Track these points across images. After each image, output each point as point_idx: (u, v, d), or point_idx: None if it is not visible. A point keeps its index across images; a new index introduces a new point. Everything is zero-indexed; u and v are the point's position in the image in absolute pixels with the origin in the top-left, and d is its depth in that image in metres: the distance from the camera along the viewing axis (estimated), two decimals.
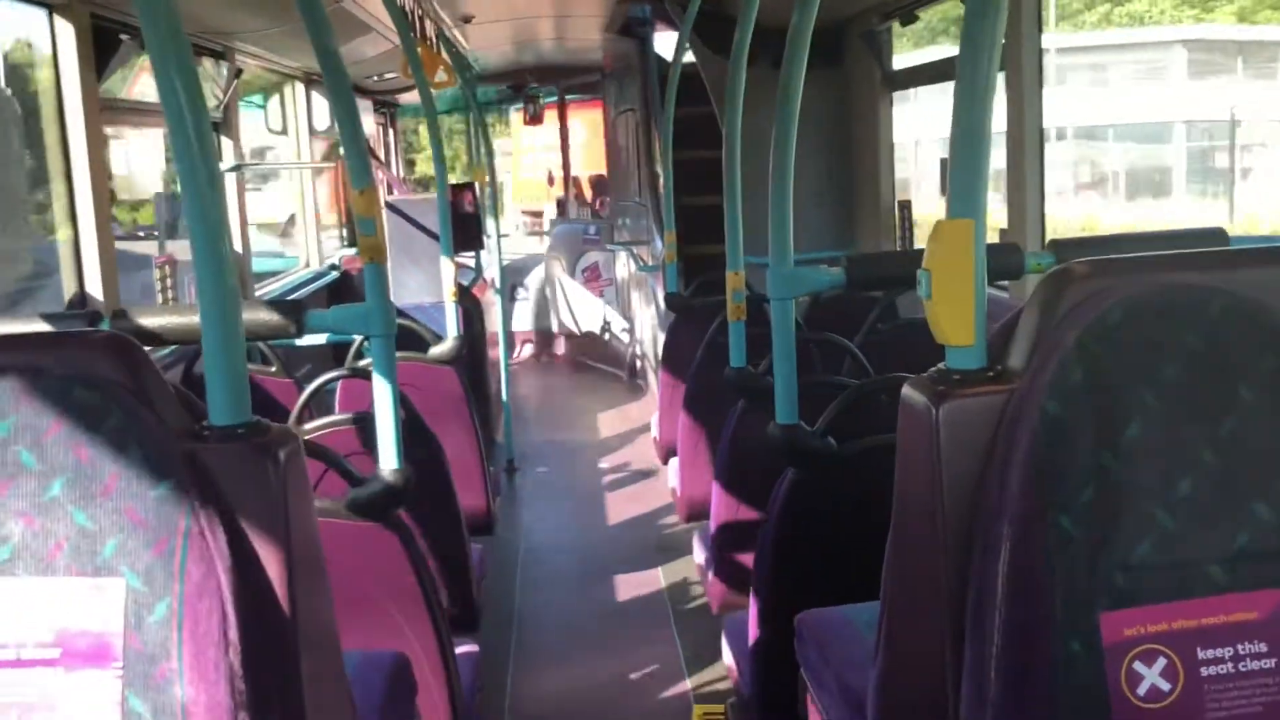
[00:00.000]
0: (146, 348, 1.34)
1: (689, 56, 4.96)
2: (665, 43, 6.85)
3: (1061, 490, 1.17)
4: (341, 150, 7.37)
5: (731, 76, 3.01)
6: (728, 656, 2.87)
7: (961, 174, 1.30)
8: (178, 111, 1.28)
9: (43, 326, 2.16)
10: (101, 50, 3.51)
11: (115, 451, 1.19)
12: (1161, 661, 1.17)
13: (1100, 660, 1.15)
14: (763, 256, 3.58)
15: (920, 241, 5.02)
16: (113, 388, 1.21)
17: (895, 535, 1.44)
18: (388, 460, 2.21)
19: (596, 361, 9.33)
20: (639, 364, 8.40)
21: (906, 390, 1.35)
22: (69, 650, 1.18)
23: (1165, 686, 1.17)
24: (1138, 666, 1.16)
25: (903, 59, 5.01)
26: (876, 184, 5.22)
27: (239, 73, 4.77)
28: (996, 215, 3.88)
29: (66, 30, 3.32)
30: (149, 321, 2.10)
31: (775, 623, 2.34)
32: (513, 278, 9.23)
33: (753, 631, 2.45)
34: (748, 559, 3.02)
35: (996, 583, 1.18)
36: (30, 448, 1.19)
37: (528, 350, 9.72)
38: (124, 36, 3.62)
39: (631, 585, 4.64)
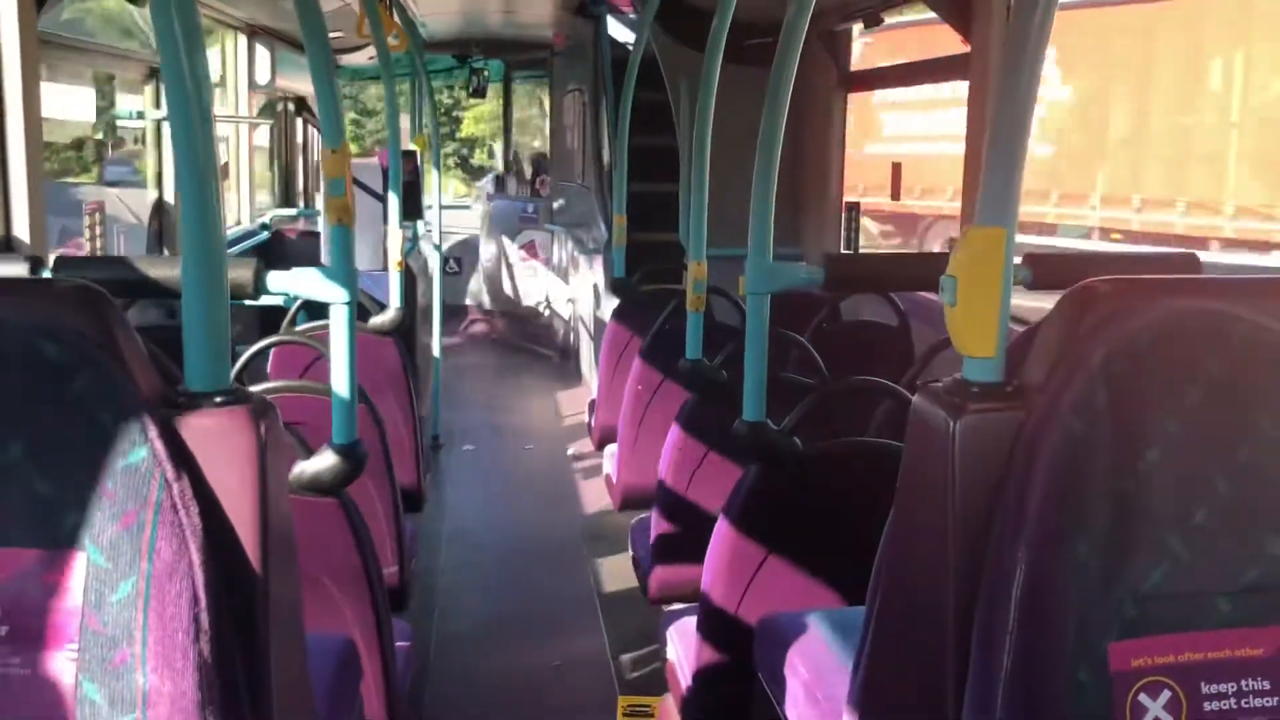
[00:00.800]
0: None
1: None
2: (615, 26, 6.79)
3: (1080, 514, 1.15)
4: (288, 106, 7.19)
5: (706, 66, 2.97)
6: (671, 652, 2.84)
7: (994, 180, 1.27)
8: (175, 59, 1.18)
9: None
10: None
11: (82, 414, 1.09)
12: (1166, 694, 1.15)
13: (1108, 691, 1.13)
14: (720, 248, 3.54)
15: (866, 243, 5.04)
16: (83, 344, 1.12)
17: (892, 546, 1.41)
18: (340, 434, 2.12)
19: (526, 341, 9.23)
20: (570, 346, 8.32)
21: (920, 400, 1.31)
22: (18, 628, 1.08)
23: None
24: (1143, 699, 1.14)
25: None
26: (825, 184, 5.23)
27: None
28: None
29: None
30: (100, 273, 1.98)
31: (728, 622, 2.31)
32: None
33: (701, 629, 2.41)
34: (694, 554, 2.98)
35: (1009, 606, 1.15)
36: None
37: (452, 325, 9.59)
38: None
39: (558, 570, 4.59)
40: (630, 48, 7.12)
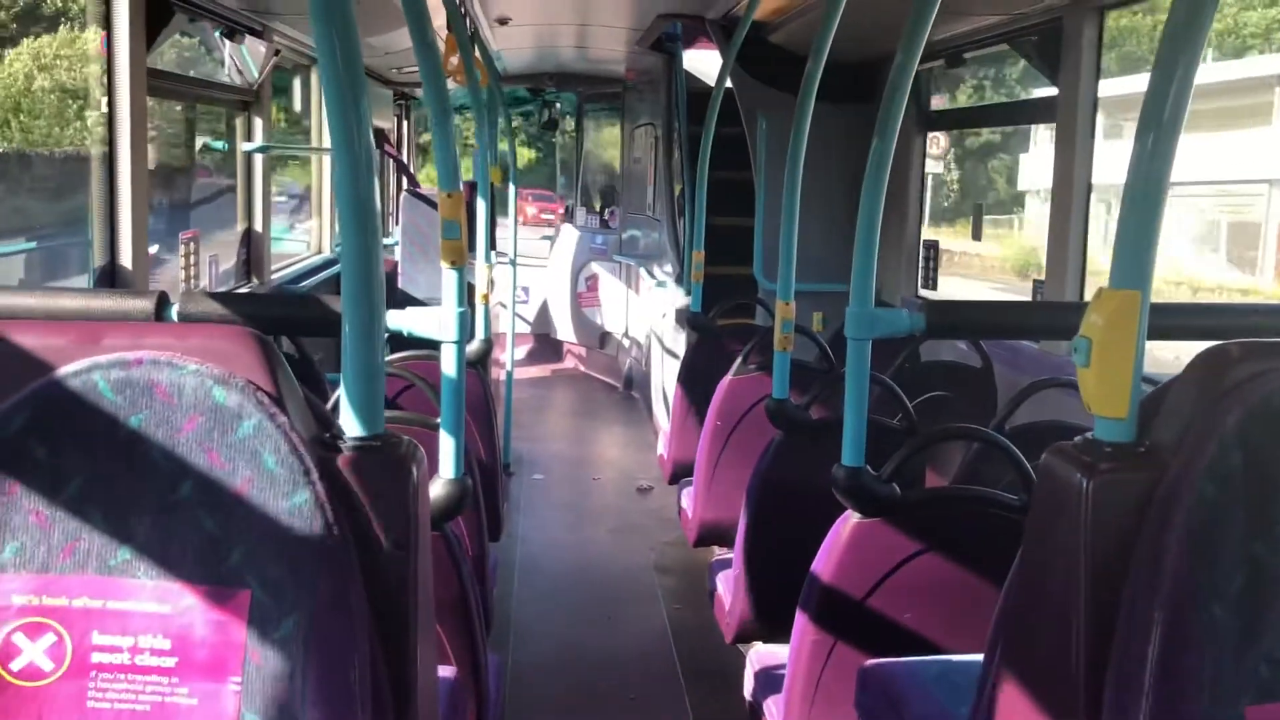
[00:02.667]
0: None
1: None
2: (689, 60, 6.84)
3: (1215, 576, 1.15)
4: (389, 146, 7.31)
5: (799, 105, 3.00)
6: (751, 692, 2.84)
7: (1131, 239, 1.27)
8: (338, 84, 1.22)
9: (96, 300, 2.10)
10: (152, 21, 3.46)
11: (249, 456, 1.14)
12: None
13: None
14: (797, 283, 3.55)
15: (944, 283, 5.03)
16: (250, 389, 1.16)
17: (1016, 600, 1.41)
18: (448, 468, 2.16)
19: (593, 370, 9.28)
20: (635, 377, 8.36)
21: (1050, 458, 1.32)
22: (186, 660, 1.13)
23: None
24: None
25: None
26: (904, 222, 5.23)
27: (277, 52, 4.71)
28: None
29: None
30: (215, 309, 2.04)
31: (821, 667, 2.31)
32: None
33: (793, 672, 2.41)
34: (778, 596, 2.98)
35: (1145, 667, 1.15)
36: (162, 446, 1.14)
37: (522, 353, 9.67)
38: (176, 9, 3.57)
39: (631, 603, 4.60)
40: (703, 82, 7.21)
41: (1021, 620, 1.40)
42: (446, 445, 2.14)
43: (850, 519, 2.27)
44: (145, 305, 2.03)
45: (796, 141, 3.02)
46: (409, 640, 1.20)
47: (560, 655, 4.09)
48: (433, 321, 2.05)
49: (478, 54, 5.06)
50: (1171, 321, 2.17)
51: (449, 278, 2.11)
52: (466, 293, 2.14)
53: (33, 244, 3.79)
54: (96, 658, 1.13)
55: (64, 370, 1.16)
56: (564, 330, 9.57)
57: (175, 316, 2.02)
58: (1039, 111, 3.99)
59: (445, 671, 1.91)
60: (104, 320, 1.90)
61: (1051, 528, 1.31)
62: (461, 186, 2.18)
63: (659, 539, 5.34)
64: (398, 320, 1.99)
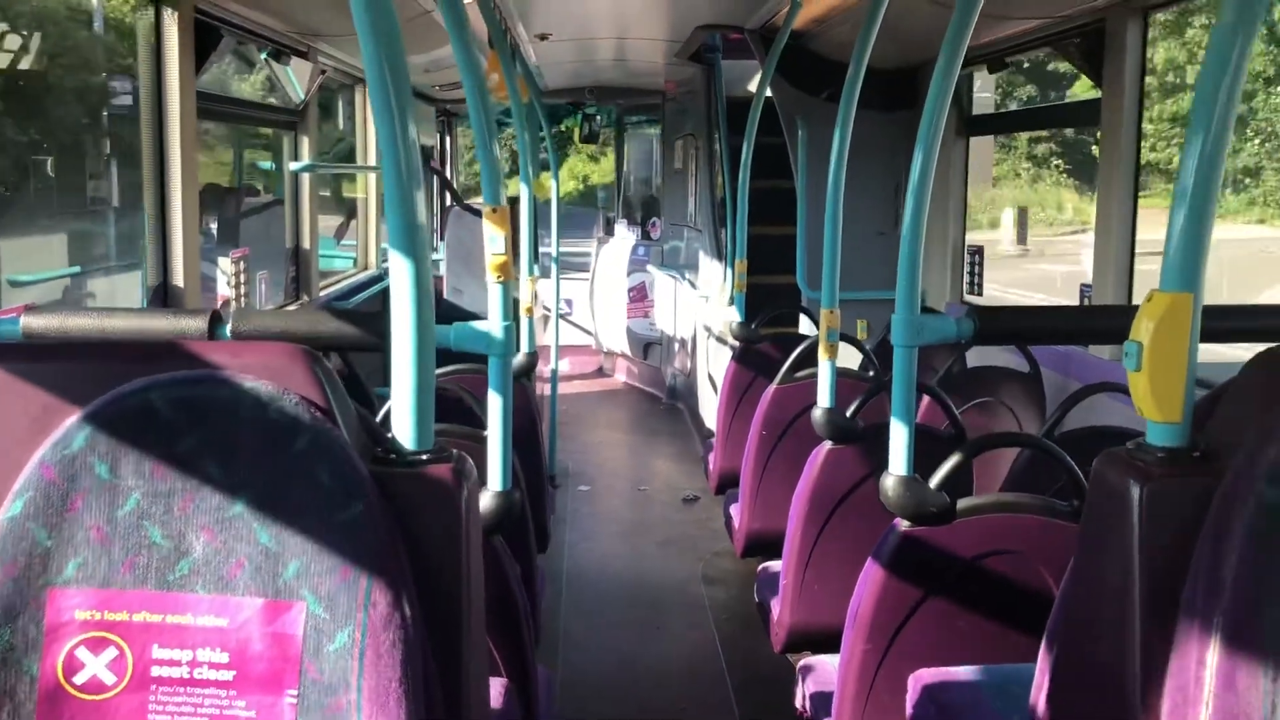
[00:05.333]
0: None
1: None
2: (728, 70, 6.84)
3: (1277, 581, 1.13)
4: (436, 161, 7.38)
5: (841, 113, 3.00)
6: (801, 702, 2.82)
7: (1183, 243, 1.26)
8: (390, 126, 1.25)
9: (151, 320, 2.14)
10: (201, 44, 3.52)
11: (303, 472, 1.16)
12: None
13: None
14: (840, 291, 3.54)
15: (989, 288, 4.99)
16: (304, 406, 1.18)
17: (1069, 608, 1.40)
18: (495, 480, 2.17)
19: (637, 381, 9.29)
20: (679, 388, 8.36)
21: (1102, 464, 1.31)
22: (244, 673, 1.15)
23: None
24: None
25: None
26: (946, 227, 5.19)
27: (323, 73, 4.77)
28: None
29: (172, 22, 3.32)
30: (269, 325, 2.07)
31: (872, 675, 2.29)
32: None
33: (843, 682, 2.40)
34: (827, 605, 2.97)
35: (1205, 675, 1.13)
36: (218, 463, 1.16)
37: (565, 365, 9.71)
38: (224, 33, 3.63)
39: (679, 614, 4.59)
40: (742, 92, 7.21)
41: (1075, 628, 1.38)
42: (494, 458, 2.16)
43: (899, 528, 2.25)
44: (199, 324, 2.07)
45: (839, 149, 3.02)
46: (461, 652, 1.22)
47: (609, 667, 4.10)
48: (479, 336, 2.07)
49: (519, 70, 5.11)
50: (1224, 324, 2.14)
51: (494, 292, 2.13)
52: (512, 306, 2.16)
53: (75, 269, 3.87)
54: (157, 671, 1.15)
55: (122, 389, 1.18)
56: (608, 341, 9.60)
57: (229, 334, 2.05)
58: (1084, 114, 3.96)
59: (496, 683, 1.92)
60: (159, 339, 1.94)
61: (1105, 535, 1.29)
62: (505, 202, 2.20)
63: (706, 550, 5.33)
64: (442, 335, 2.01)
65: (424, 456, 1.27)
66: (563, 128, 10.40)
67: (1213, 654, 1.14)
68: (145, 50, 3.38)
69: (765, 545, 3.98)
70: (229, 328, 2.06)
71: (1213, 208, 1.26)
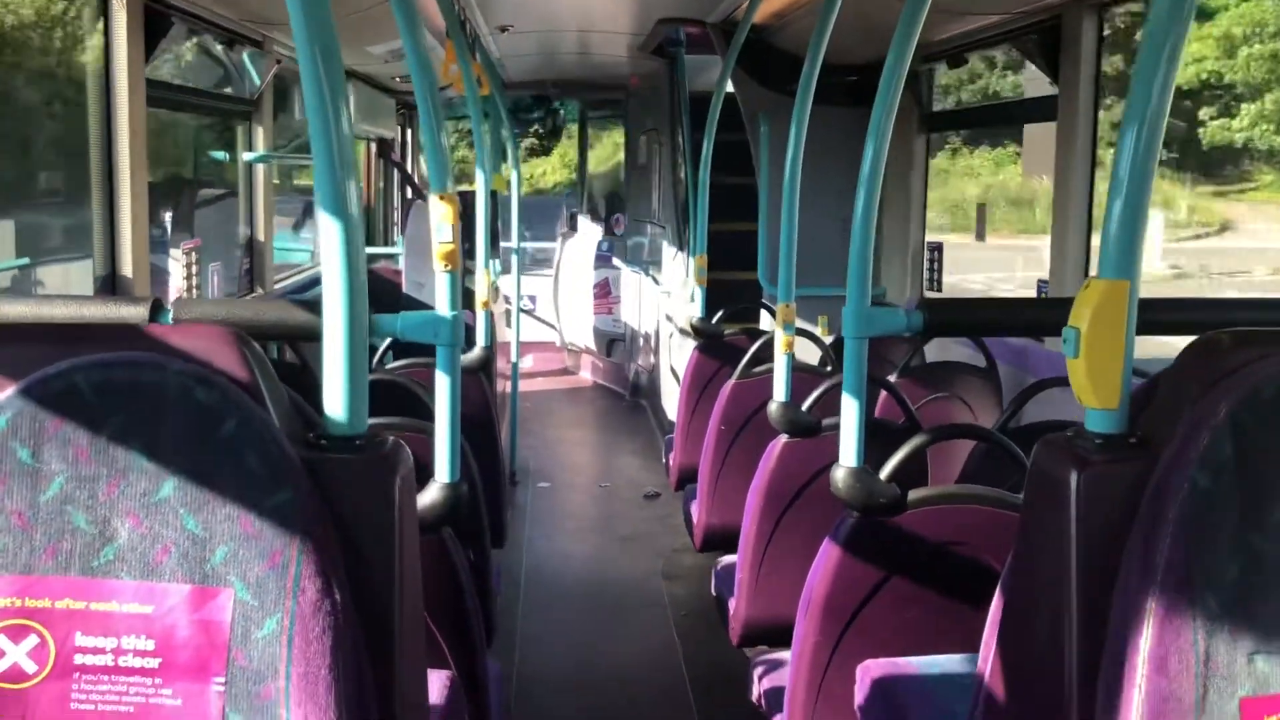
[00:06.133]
0: None
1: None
2: (691, 65, 6.83)
3: (1209, 567, 1.13)
4: (371, 148, 7.34)
5: (797, 108, 3.00)
6: (757, 697, 2.82)
7: (1118, 231, 1.26)
8: (323, 114, 1.23)
9: (92, 309, 2.09)
10: (150, 32, 3.46)
11: (231, 456, 1.13)
12: None
13: None
14: (801, 287, 3.54)
15: (948, 286, 5.01)
16: (232, 389, 1.16)
17: (1009, 596, 1.40)
18: (443, 473, 2.15)
19: (600, 378, 9.27)
20: (642, 384, 8.35)
21: (1041, 451, 1.30)
22: (170, 661, 1.12)
23: None
24: None
25: None
26: (906, 224, 5.21)
27: (278, 62, 4.71)
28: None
29: (120, 8, 3.26)
30: (210, 312, 2.03)
31: (823, 668, 2.29)
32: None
33: (795, 674, 2.39)
34: (781, 598, 2.96)
35: (1138, 659, 1.13)
36: (143, 446, 1.13)
37: (528, 362, 9.67)
38: (174, 20, 3.57)
39: (638, 609, 4.58)
40: (708, 87, 7.20)
41: (1014, 616, 1.38)
42: (441, 449, 2.13)
43: (849, 519, 2.25)
44: (140, 311, 2.03)
45: (795, 144, 3.02)
46: (394, 641, 1.19)
47: (567, 664, 4.08)
48: (426, 324, 2.04)
49: (479, 61, 5.07)
50: (1161, 316, 2.15)
51: (442, 281, 2.10)
52: (462, 298, 2.13)
53: (25, 260, 3.79)
54: (80, 659, 1.12)
55: (43, 372, 1.15)
56: (573, 336, 9.57)
57: (170, 322, 2.01)
58: (1041, 110, 3.98)
59: (440, 675, 1.90)
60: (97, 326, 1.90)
61: (1043, 521, 1.29)
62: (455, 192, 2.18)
63: (667, 546, 5.32)
64: (390, 324, 1.98)
65: (357, 442, 1.25)
66: (529, 122, 10.36)
67: (1145, 639, 1.14)
68: (92, 37, 3.32)
69: (723, 540, 3.97)
70: (170, 316, 2.02)
71: (1147, 197, 1.26)
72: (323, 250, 1.26)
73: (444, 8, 3.66)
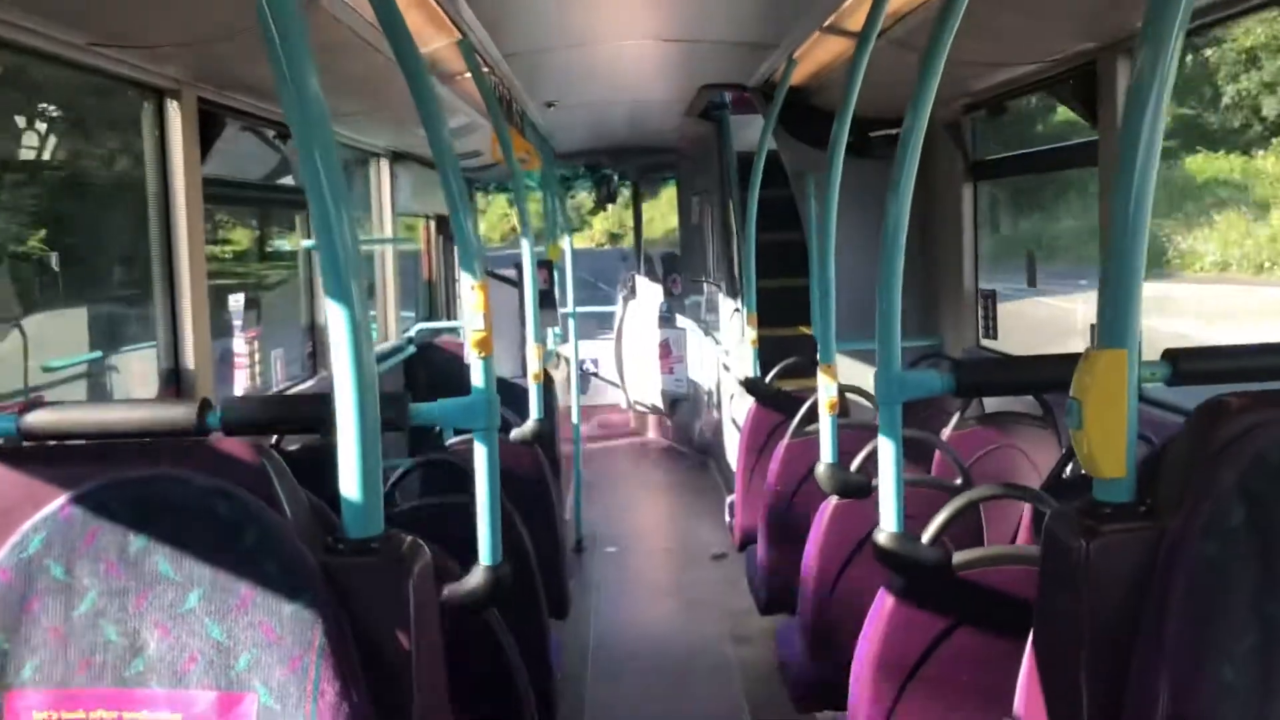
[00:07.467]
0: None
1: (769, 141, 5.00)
2: (738, 126, 6.90)
3: (1223, 637, 1.10)
4: (431, 225, 7.52)
5: (829, 166, 3.01)
6: None
7: (1112, 299, 1.25)
8: (320, 193, 1.27)
9: (144, 413, 2.17)
10: (206, 131, 3.60)
11: (252, 566, 1.17)
12: None
13: None
14: (846, 341, 3.52)
15: (1004, 332, 4.95)
16: (253, 502, 1.20)
17: (1030, 663, 1.38)
18: (485, 555, 2.17)
19: (666, 437, 9.28)
20: (708, 443, 8.33)
21: (1052, 522, 1.29)
22: None
23: None
24: None
25: None
26: (959, 273, 5.17)
27: None
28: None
29: (175, 113, 3.41)
30: (256, 411, 2.09)
31: None
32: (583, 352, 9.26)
33: None
34: (841, 659, 2.93)
35: None
36: (169, 559, 1.18)
37: (591, 427, 9.71)
38: (228, 119, 3.72)
39: (706, 675, 4.54)
40: (753, 147, 7.26)
41: (1033, 690, 1.36)
42: (482, 533, 2.16)
43: (895, 584, 2.23)
44: (189, 414, 2.10)
45: (828, 200, 3.03)
46: None
47: None
48: (462, 412, 2.08)
49: (529, 137, 5.18)
50: (1200, 366, 2.11)
51: (477, 367, 2.14)
52: (494, 380, 2.17)
53: (98, 353, 3.94)
54: None
55: (77, 491, 1.20)
56: (638, 396, 9.60)
57: (219, 422, 2.07)
58: (1082, 156, 3.95)
59: None
60: (151, 430, 1.97)
61: (1055, 593, 1.28)
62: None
63: (735, 608, 5.28)
64: (425, 414, 2.02)
65: (372, 545, 1.28)
66: (576, 192, 10.50)
67: (1160, 713, 1.11)
68: (150, 140, 3.46)
69: (786, 601, 3.94)
70: (219, 415, 2.08)
71: (1141, 264, 1.25)
72: (332, 355, 1.30)
73: (483, 91, 3.75)
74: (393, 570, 1.24)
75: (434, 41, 3.78)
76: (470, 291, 2.16)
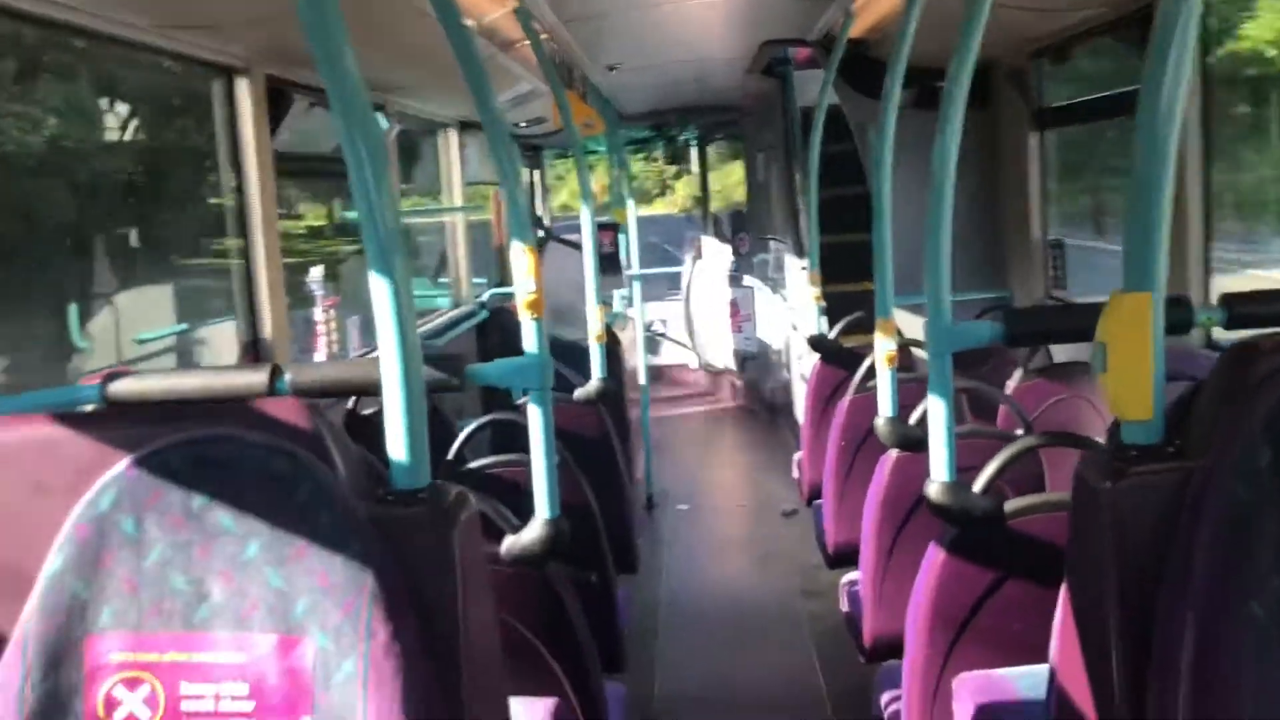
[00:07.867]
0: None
1: (831, 95, 4.97)
2: (802, 81, 6.86)
3: (1251, 577, 1.13)
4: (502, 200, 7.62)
5: (883, 116, 3.01)
6: (878, 708, 2.83)
7: (1138, 242, 1.27)
8: (361, 167, 1.34)
9: (225, 377, 2.28)
10: (275, 107, 3.72)
11: (306, 517, 1.26)
12: None
13: None
14: (910, 295, 3.51)
15: (1072, 283, 4.89)
16: (305, 457, 1.28)
17: (1064, 609, 1.41)
18: (542, 510, 2.26)
19: (737, 397, 9.32)
20: (777, 401, 8.35)
21: (1081, 465, 1.32)
22: (263, 705, 1.25)
23: None
24: None
25: None
26: (1026, 224, 5.11)
27: (398, 122, 4.97)
28: None
29: (245, 91, 3.52)
30: (322, 375, 2.19)
31: (933, 681, 2.30)
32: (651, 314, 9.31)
33: (908, 688, 2.41)
34: (900, 612, 2.97)
35: (1178, 674, 1.14)
36: (229, 513, 1.27)
37: (662, 388, 9.78)
38: (295, 95, 3.83)
39: (776, 631, 4.61)
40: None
41: (1069, 630, 1.39)
42: (540, 488, 2.24)
43: (949, 533, 2.26)
44: (261, 378, 2.21)
45: (880, 152, 3.02)
46: (460, 676, 1.30)
47: (704, 686, 4.14)
48: (516, 372, 2.16)
49: (591, 102, 5.22)
50: (1258, 309, 2.09)
51: (529, 328, 2.21)
52: (546, 341, 2.24)
53: (184, 326, 4.10)
54: (186, 705, 1.26)
55: (142, 452, 1.30)
56: (709, 357, 9.65)
57: (287, 387, 2.17)
58: None
59: (548, 702, 2.00)
60: (228, 395, 2.08)
61: (1084, 535, 1.31)
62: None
63: (806, 562, 5.33)
64: (481, 375, 2.10)
65: (420, 495, 1.36)
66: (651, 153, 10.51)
67: (1186, 651, 1.14)
68: (221, 118, 3.59)
69: (852, 555, 3.98)
70: (287, 379, 2.18)
71: (1168, 207, 1.27)
72: (376, 314, 1.38)
73: (540, 57, 3.81)
74: (438, 520, 1.32)
75: (492, 11, 3.84)
76: (520, 255, 2.22)
